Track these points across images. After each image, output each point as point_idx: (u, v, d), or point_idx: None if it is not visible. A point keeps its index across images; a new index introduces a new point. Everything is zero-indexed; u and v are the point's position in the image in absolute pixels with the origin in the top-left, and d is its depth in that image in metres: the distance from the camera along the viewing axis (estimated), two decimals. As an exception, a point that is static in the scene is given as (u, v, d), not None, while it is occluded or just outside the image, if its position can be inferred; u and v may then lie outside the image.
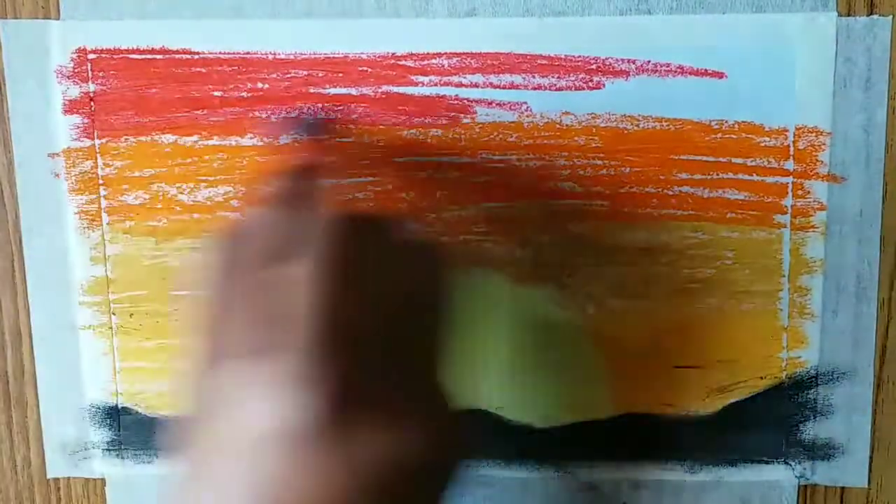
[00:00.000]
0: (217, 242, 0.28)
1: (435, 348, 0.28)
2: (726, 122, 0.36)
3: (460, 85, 0.36)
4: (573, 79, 0.36)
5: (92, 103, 0.37)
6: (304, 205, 0.29)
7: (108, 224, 0.38)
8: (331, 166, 0.32)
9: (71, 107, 0.37)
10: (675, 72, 0.36)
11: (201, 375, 0.26)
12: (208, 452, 0.25)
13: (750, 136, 0.36)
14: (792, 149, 0.36)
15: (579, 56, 0.36)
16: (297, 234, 0.27)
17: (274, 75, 0.37)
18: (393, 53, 0.36)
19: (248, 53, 0.36)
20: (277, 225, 0.28)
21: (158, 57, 0.37)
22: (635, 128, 0.36)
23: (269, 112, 0.37)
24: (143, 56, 0.37)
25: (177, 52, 0.37)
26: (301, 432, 0.24)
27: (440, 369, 0.28)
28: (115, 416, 0.40)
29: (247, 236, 0.28)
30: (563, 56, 0.36)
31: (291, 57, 0.36)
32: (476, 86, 0.36)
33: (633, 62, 0.36)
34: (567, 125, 0.36)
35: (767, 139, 0.36)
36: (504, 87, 0.36)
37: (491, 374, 0.38)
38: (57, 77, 0.37)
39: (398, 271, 0.28)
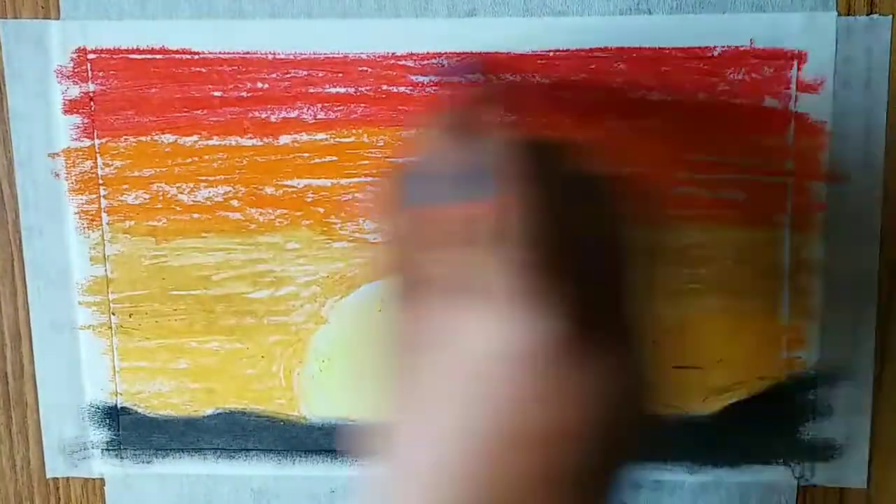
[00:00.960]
0: (402, 174, 0.27)
1: (627, 279, 0.27)
2: (726, 121, 0.36)
3: (460, 84, 0.36)
4: (573, 78, 0.36)
5: (92, 103, 0.37)
6: (481, 134, 0.27)
7: (107, 224, 0.38)
8: (500, 99, 0.31)
9: (71, 107, 0.37)
10: (675, 72, 0.36)
11: (409, 309, 0.24)
12: (426, 385, 0.23)
13: (750, 135, 0.36)
14: (792, 149, 0.36)
15: (579, 56, 0.36)
16: (487, 161, 0.25)
17: (274, 75, 0.37)
18: (393, 53, 0.36)
19: (247, 53, 0.36)
20: (462, 154, 0.26)
21: (158, 57, 0.37)
22: (635, 127, 0.36)
23: (268, 112, 0.37)
24: (143, 56, 0.37)
25: (177, 52, 0.37)
26: (540, 352, 0.22)
27: (632, 303, 0.27)
28: (114, 416, 0.40)
29: (432, 167, 0.26)
30: (563, 56, 0.36)
31: (291, 57, 0.36)
32: (476, 85, 0.36)
33: (633, 62, 0.36)
34: (567, 125, 0.36)
35: (767, 139, 0.36)
36: (504, 87, 0.36)
37: None
38: (57, 77, 0.37)
39: (585, 197, 0.26)
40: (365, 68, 0.36)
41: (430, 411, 0.23)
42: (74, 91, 0.37)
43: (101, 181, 0.38)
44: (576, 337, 0.22)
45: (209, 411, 0.39)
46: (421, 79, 0.36)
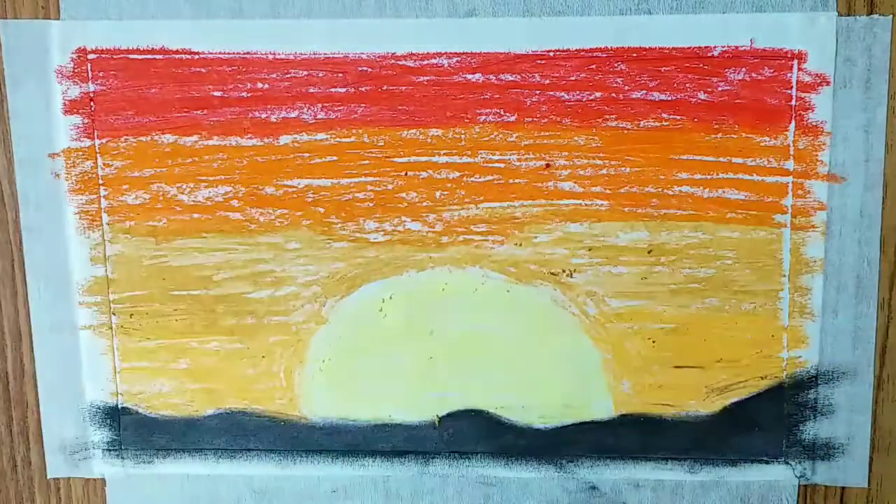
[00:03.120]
0: None
1: None
2: (726, 121, 0.36)
3: (460, 84, 0.36)
4: (573, 79, 0.36)
5: (92, 103, 0.37)
6: None
7: (108, 224, 0.38)
8: None
9: (71, 107, 0.37)
10: (675, 71, 0.36)
11: None
12: None
13: (750, 135, 0.36)
14: (792, 148, 0.36)
15: (579, 56, 0.36)
16: None
17: (274, 75, 0.36)
18: (393, 53, 0.36)
19: (247, 53, 0.36)
20: None
21: (158, 57, 0.36)
22: (635, 127, 0.36)
23: (269, 112, 0.37)
24: (143, 56, 0.37)
25: (176, 52, 0.36)
26: None
27: None
28: (115, 417, 0.40)
29: None
30: (563, 56, 0.36)
31: (291, 57, 0.36)
32: (476, 85, 0.36)
33: (633, 62, 0.36)
34: (567, 125, 0.36)
35: (767, 139, 0.36)
36: (504, 87, 0.36)
37: (491, 374, 0.38)
38: (57, 77, 0.37)
39: None
40: (365, 68, 0.36)
41: None
42: (74, 91, 0.37)
43: (101, 181, 0.38)
44: None
45: (210, 411, 0.39)
46: (421, 79, 0.36)
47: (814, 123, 0.36)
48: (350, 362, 0.39)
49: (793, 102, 0.36)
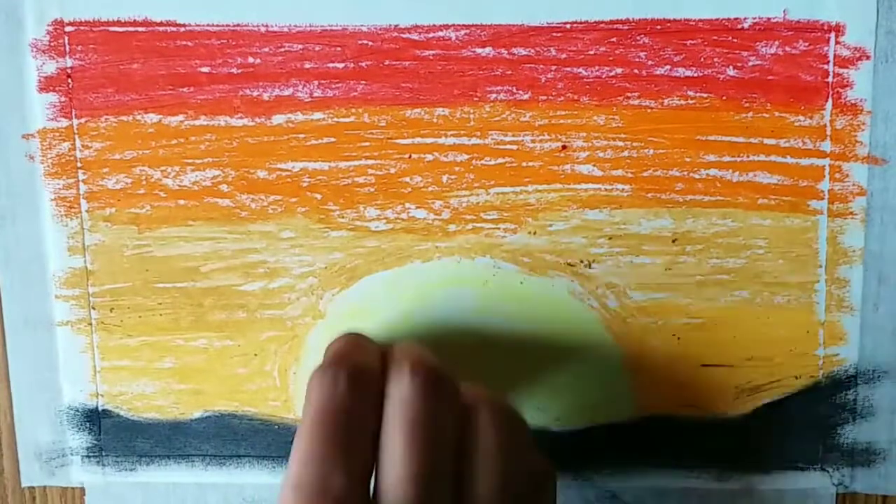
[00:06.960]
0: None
1: None
2: (757, 99, 0.35)
3: (469, 59, 0.35)
4: (591, 53, 0.35)
5: (69, 80, 0.36)
6: None
7: (86, 211, 0.37)
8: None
9: (46, 84, 0.36)
10: (702, 45, 0.34)
11: None
12: None
13: (783, 114, 0.35)
14: (829, 129, 0.35)
15: (598, 28, 0.34)
16: None
17: (266, 49, 0.35)
18: (396, 26, 0.35)
19: (237, 26, 0.35)
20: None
21: (141, 29, 0.35)
22: (659, 106, 0.35)
23: (260, 90, 0.35)
24: (125, 29, 0.35)
25: (161, 24, 0.35)
26: None
27: None
28: (94, 420, 0.39)
29: None
30: (580, 28, 0.34)
31: (285, 30, 0.35)
32: (486, 60, 0.35)
33: (657, 35, 0.34)
34: (585, 103, 0.35)
35: (802, 118, 0.35)
36: (517, 62, 0.35)
37: (502, 373, 0.37)
38: (31, 51, 0.36)
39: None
40: (366, 42, 0.35)
41: None
42: (50, 67, 0.36)
43: (79, 164, 0.37)
44: None
45: (197, 414, 0.38)
46: (427, 53, 0.35)
47: (852, 101, 0.35)
48: (349, 361, 0.37)
49: (829, 79, 0.34)
